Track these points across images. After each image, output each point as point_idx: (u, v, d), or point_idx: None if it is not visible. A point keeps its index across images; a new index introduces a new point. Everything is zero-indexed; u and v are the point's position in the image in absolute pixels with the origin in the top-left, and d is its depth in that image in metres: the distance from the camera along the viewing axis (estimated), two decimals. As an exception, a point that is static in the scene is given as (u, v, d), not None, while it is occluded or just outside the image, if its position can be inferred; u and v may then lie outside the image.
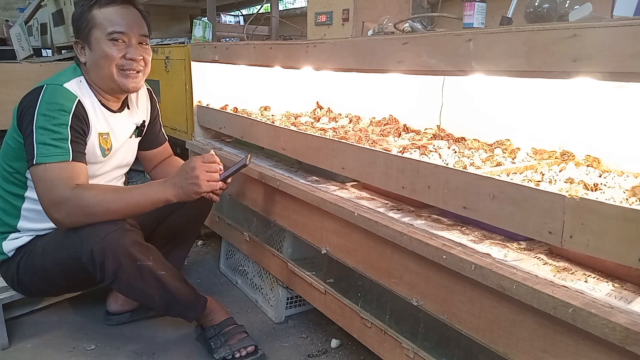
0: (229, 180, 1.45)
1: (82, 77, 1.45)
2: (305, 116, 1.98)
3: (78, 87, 1.40)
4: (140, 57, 1.45)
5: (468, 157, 1.26)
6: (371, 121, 1.85)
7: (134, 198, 1.33)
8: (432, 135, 1.59)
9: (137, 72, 1.46)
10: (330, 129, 1.68)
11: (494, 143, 1.41)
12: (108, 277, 1.33)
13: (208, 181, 1.35)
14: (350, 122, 1.85)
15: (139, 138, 1.67)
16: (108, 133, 1.49)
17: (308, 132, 1.52)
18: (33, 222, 1.44)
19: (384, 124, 1.76)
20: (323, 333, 1.62)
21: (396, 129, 1.66)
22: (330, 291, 1.39)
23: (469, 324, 0.98)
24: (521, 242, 1.03)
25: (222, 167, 1.41)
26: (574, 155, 1.25)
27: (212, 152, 1.42)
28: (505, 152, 1.33)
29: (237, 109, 2.03)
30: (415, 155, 1.27)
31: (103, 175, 1.52)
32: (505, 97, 1.46)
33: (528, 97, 1.39)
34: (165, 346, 1.54)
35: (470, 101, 1.55)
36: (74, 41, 1.45)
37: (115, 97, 1.52)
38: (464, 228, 1.12)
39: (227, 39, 2.75)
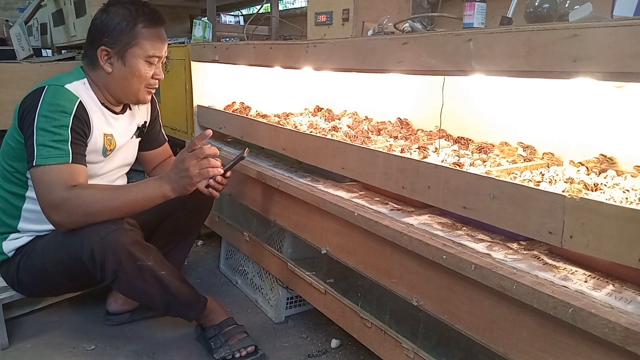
0: (228, 174, 1.44)
1: (86, 79, 1.45)
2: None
3: (80, 89, 1.40)
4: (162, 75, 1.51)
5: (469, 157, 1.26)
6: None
7: (132, 195, 1.33)
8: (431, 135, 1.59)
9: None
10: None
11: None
12: (108, 277, 1.33)
13: (199, 171, 1.31)
14: (354, 122, 1.84)
15: (140, 138, 1.67)
16: (112, 134, 1.49)
17: (310, 133, 1.52)
18: (33, 223, 1.44)
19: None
20: (323, 333, 1.62)
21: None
22: (330, 291, 1.39)
23: (469, 324, 0.98)
24: (521, 242, 1.03)
25: (217, 152, 1.36)
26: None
27: (196, 142, 1.32)
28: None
29: (254, 110, 2.02)
30: (415, 155, 1.26)
31: (104, 175, 1.52)
32: (506, 97, 1.46)
33: (528, 97, 1.39)
34: (165, 346, 1.54)
35: (470, 101, 1.55)
36: (101, 48, 1.40)
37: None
38: (464, 228, 1.12)
39: (227, 39, 2.75)
